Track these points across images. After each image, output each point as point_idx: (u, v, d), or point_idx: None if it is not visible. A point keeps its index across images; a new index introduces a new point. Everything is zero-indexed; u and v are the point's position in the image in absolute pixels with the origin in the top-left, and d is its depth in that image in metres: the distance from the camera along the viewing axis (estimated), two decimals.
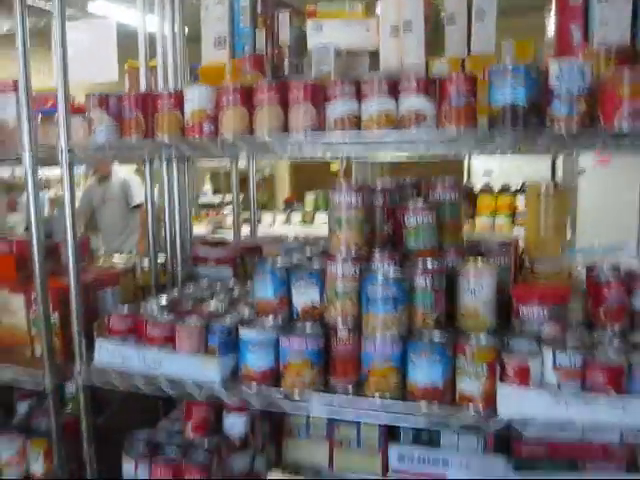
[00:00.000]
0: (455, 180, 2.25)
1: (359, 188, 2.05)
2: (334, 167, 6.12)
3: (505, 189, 5.92)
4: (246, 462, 2.46)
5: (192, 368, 2.13)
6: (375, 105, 1.93)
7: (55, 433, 2.40)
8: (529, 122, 1.80)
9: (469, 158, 6.61)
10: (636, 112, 1.70)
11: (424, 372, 1.89)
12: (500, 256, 2.26)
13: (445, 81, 1.88)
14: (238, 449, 2.43)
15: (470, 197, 5.89)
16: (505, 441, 2.52)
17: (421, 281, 1.97)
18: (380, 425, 2.59)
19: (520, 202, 5.75)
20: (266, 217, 6.92)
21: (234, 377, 2.12)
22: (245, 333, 2.07)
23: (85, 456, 2.36)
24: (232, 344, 2.12)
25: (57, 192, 6.31)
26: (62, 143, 2.24)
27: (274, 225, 6.67)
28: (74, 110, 2.44)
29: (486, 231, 5.67)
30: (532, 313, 1.96)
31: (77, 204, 6.46)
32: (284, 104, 2.04)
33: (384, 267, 1.96)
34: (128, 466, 2.30)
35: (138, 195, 5.80)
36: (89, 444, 2.36)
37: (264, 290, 2.15)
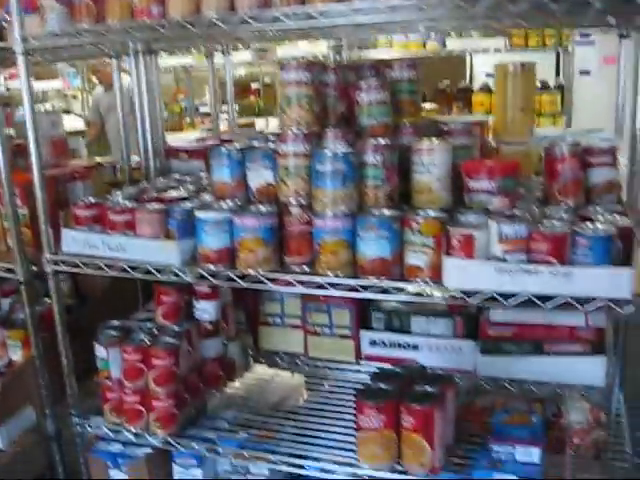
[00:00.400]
0: (414, 61, 2.21)
1: (308, 65, 2.03)
2: None
3: None
4: (218, 347, 2.53)
5: (153, 252, 2.16)
6: None
7: (30, 323, 2.48)
8: None
9: (471, 58, 6.47)
10: None
11: (372, 247, 1.90)
12: (464, 136, 2.24)
13: None
14: (209, 335, 2.49)
15: (466, 96, 5.79)
16: (475, 326, 2.56)
17: (371, 157, 1.97)
18: (351, 311, 2.64)
19: None
20: (260, 122, 6.89)
21: (194, 260, 2.15)
22: (200, 214, 2.09)
23: (59, 343, 2.42)
24: (191, 228, 2.14)
25: (53, 105, 6.32)
26: (16, 33, 2.22)
27: (267, 129, 6.64)
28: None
29: None
30: (481, 187, 1.94)
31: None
32: None
33: (333, 144, 1.96)
34: (99, 352, 2.37)
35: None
36: (63, 332, 2.42)
37: (220, 173, 2.16)
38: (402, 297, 1.91)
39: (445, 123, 2.28)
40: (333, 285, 1.97)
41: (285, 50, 6.12)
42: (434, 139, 2.04)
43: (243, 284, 2.07)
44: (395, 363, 2.53)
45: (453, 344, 2.55)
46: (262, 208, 2.04)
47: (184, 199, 2.27)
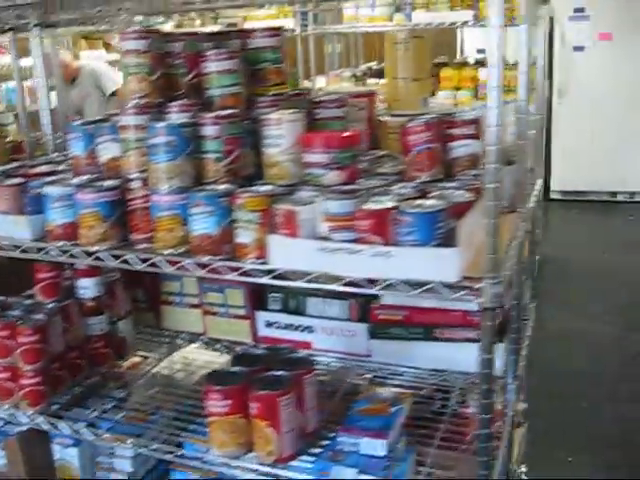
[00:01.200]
0: (278, 28, 2.10)
1: (146, 33, 1.93)
2: None
3: (479, 62, 5.49)
4: (102, 325, 2.46)
5: (6, 227, 2.11)
6: None
7: None
8: None
9: (462, 34, 6.22)
10: None
11: (200, 223, 1.81)
12: (336, 108, 2.12)
13: None
14: (92, 312, 2.43)
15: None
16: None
17: (209, 129, 1.87)
18: (245, 291, 2.55)
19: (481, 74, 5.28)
20: None
21: None
22: (46, 189, 2.03)
23: None
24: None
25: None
26: None
27: None
28: None
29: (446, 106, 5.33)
30: (316, 160, 1.82)
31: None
32: None
33: (167, 115, 1.87)
34: None
35: (110, 83, 5.76)
36: None
37: (76, 147, 2.10)
38: (229, 277, 1.81)
39: (320, 95, 2.17)
40: (169, 262, 1.89)
41: (255, 24, 5.99)
42: (285, 110, 1.93)
43: (87, 260, 2.00)
44: (291, 345, 2.44)
45: (347, 327, 2.44)
46: (103, 183, 1.96)
47: (47, 174, 2.21)
